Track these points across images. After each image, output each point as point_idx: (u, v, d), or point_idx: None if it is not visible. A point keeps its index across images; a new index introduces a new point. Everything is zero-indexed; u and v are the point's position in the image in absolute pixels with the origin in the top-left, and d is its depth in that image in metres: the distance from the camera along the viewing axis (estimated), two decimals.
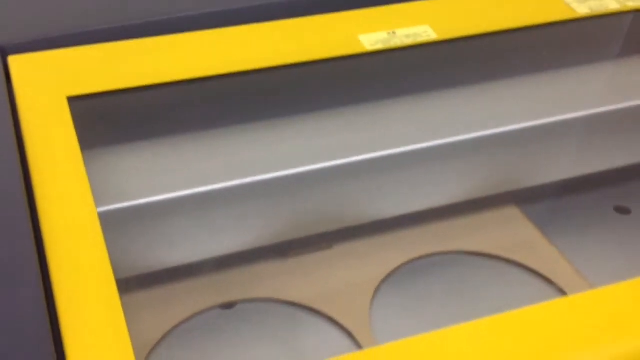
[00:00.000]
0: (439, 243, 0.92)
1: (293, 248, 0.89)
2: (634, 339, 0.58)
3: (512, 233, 0.94)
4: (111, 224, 0.69)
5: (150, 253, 0.82)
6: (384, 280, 0.87)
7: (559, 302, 0.64)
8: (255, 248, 0.85)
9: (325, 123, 0.93)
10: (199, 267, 0.85)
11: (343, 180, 0.88)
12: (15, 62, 0.84)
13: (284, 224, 0.86)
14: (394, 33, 0.93)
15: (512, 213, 0.99)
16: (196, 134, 0.87)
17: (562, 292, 0.89)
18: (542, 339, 0.57)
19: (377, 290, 0.85)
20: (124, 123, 0.84)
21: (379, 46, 0.90)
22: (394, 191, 0.91)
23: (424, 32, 0.93)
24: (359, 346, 0.80)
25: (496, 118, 0.95)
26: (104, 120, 0.82)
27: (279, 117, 0.90)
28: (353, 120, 0.94)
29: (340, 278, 0.87)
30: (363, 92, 0.96)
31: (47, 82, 0.81)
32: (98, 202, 0.66)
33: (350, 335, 0.80)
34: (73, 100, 0.77)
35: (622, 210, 1.00)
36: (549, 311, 0.61)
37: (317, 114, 0.93)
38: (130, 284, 0.80)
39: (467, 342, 0.57)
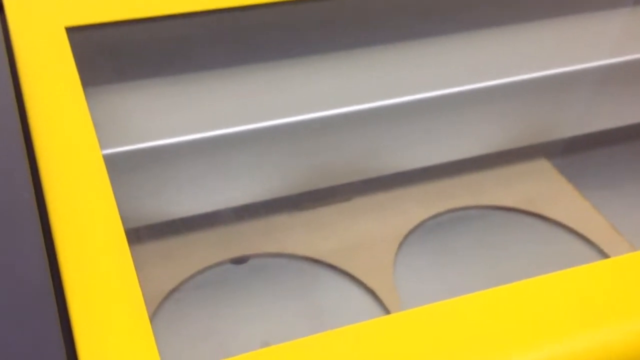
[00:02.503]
0: (465, 197, 0.87)
1: (309, 199, 0.85)
2: None
3: (542, 187, 0.90)
4: (116, 168, 0.64)
5: (157, 202, 0.77)
6: (407, 235, 0.82)
7: (601, 264, 0.57)
8: (269, 199, 0.81)
9: (345, 64, 0.86)
10: (208, 219, 0.80)
11: (364, 127, 0.83)
12: None
13: (300, 173, 0.82)
14: None
15: (543, 166, 0.94)
16: (207, 72, 0.81)
17: (598, 250, 0.84)
18: (584, 304, 0.51)
19: (400, 245, 0.80)
20: (129, 58, 0.79)
21: None
22: (419, 141, 0.87)
23: None
24: (382, 305, 0.76)
25: (523, 63, 0.90)
26: (108, 55, 0.77)
27: (295, 56, 0.85)
28: (374, 62, 0.88)
29: (360, 232, 0.82)
30: (385, 31, 0.90)
31: (43, 12, 0.75)
32: (103, 143, 0.62)
33: (372, 293, 0.76)
34: (72, 32, 0.71)
35: None
36: (590, 274, 0.54)
37: (337, 53, 0.87)
38: (136, 236, 0.76)
39: (501, 307, 0.50)
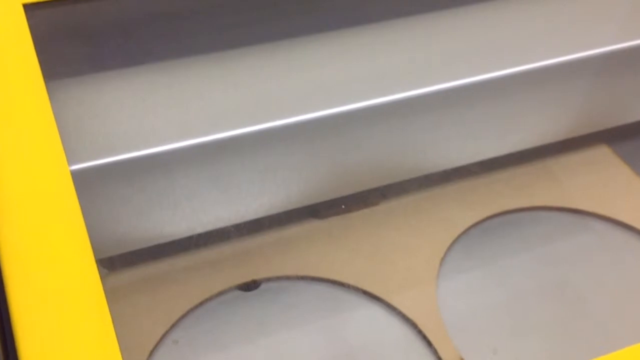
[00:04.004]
0: (515, 197, 0.80)
1: (330, 208, 0.77)
2: None
3: (604, 181, 0.82)
4: (90, 186, 0.59)
5: (145, 223, 0.67)
6: (450, 247, 0.75)
7: None
8: (282, 211, 0.73)
9: (367, 45, 0.76)
10: (208, 239, 0.73)
11: (394, 121, 0.72)
12: None
13: (318, 179, 0.73)
14: None
15: (604, 155, 0.85)
16: (202, 58, 0.70)
17: None
18: None
19: (443, 261, 0.74)
20: (104, 42, 0.70)
21: None
22: (458, 135, 0.77)
23: None
24: (426, 340, 0.68)
25: (574, 40, 0.79)
26: (76, 38, 0.69)
27: (308, 35, 0.75)
28: (402, 43, 0.77)
29: (393, 246, 0.75)
30: (414, 4, 0.79)
31: None
32: (71, 156, 0.54)
33: (413, 325, 0.68)
34: (32, 10, 0.64)
35: None
36: None
37: (358, 30, 0.76)
38: (119, 264, 0.70)
39: None
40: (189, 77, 0.68)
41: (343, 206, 0.75)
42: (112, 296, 0.67)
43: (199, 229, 0.68)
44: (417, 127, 0.74)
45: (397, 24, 0.76)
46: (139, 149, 0.60)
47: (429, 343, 0.66)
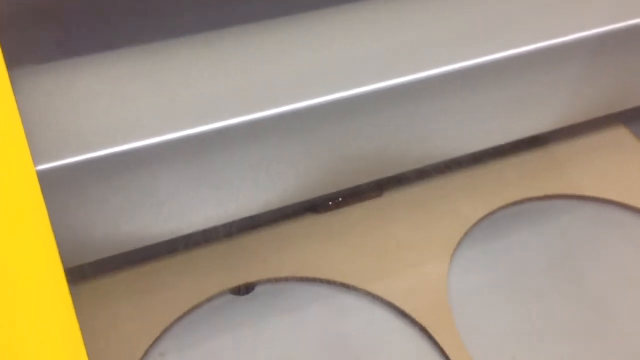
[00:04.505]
0: (527, 186, 0.75)
1: (329, 203, 0.72)
2: None
3: (624, 167, 0.77)
4: (62, 187, 0.53)
5: (125, 226, 0.60)
6: (460, 242, 0.70)
7: None
8: (276, 208, 0.67)
9: (367, 23, 0.69)
10: (197, 240, 0.68)
11: (396, 108, 0.66)
12: None
13: (317, 171, 0.67)
14: None
15: (621, 138, 0.80)
16: (187, 41, 0.63)
17: None
18: None
19: (453, 257, 0.70)
20: (75, 24, 0.62)
21: None
22: (466, 120, 0.71)
23: None
24: (437, 345, 0.63)
25: (586, 16, 0.72)
26: (43, 19, 0.61)
27: (298, 14, 0.67)
28: (404, 20, 0.70)
29: (399, 243, 0.70)
30: None
31: None
32: (38, 154, 0.51)
33: (423, 329, 0.64)
34: None
35: None
36: None
37: (354, 6, 0.68)
38: (98, 271, 0.64)
39: None
40: (173, 63, 0.61)
41: (340, 199, 0.71)
42: (92, 306, 0.64)
43: (186, 230, 0.62)
44: (421, 113, 0.68)
45: (397, 1, 0.70)
46: (117, 145, 0.54)
47: (441, 350, 0.61)
